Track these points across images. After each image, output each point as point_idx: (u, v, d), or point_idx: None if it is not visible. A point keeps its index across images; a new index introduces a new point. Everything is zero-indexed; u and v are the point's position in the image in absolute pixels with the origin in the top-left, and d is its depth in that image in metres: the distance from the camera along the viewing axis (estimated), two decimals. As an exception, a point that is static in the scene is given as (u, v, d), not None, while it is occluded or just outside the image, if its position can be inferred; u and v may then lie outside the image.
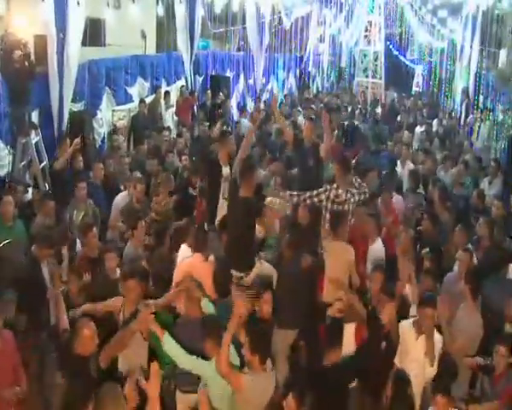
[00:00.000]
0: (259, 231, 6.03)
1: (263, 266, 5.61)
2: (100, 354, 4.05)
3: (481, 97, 15.49)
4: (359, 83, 22.40)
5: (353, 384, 4.64)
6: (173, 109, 12.47)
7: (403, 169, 9.73)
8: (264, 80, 17.27)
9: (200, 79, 14.45)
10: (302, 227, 6.24)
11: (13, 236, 6.04)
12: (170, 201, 7.39)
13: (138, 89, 11.74)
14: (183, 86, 13.12)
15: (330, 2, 21.87)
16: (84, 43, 9.04)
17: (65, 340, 4.33)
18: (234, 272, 5.33)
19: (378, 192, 7.86)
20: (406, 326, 4.90)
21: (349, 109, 17.05)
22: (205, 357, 4.23)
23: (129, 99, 11.37)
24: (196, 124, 12.24)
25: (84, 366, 3.91)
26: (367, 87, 21.85)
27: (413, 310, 5.16)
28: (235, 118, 14.39)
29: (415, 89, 24.85)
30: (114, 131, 10.47)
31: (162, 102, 12.16)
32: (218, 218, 6.30)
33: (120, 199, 7.29)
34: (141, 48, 12.87)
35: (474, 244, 6.68)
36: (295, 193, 6.45)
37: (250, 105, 16.08)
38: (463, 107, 16.78)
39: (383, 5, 22.16)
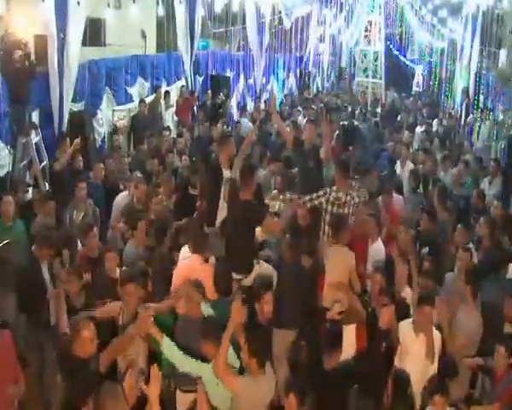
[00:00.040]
0: (259, 235, 6.03)
1: (262, 268, 5.61)
2: (99, 357, 4.05)
3: (481, 97, 15.49)
4: (359, 83, 22.42)
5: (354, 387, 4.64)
6: (173, 109, 12.47)
7: (402, 169, 9.73)
8: (264, 80, 17.26)
9: (200, 79, 14.45)
10: (302, 228, 6.23)
11: (13, 236, 6.04)
12: (170, 201, 7.40)
13: (138, 89, 11.74)
14: (183, 86, 13.12)
15: (330, 2, 21.88)
16: (84, 43, 9.04)
17: (64, 342, 4.32)
18: (233, 275, 5.32)
19: (378, 192, 7.87)
20: (406, 326, 4.91)
21: (349, 109, 17.07)
22: (205, 358, 4.23)
23: (129, 99, 11.37)
24: (196, 124, 12.25)
25: (83, 368, 3.90)
26: (367, 87, 21.86)
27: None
28: (236, 118, 14.39)
29: (415, 89, 24.90)
30: (115, 131, 10.48)
31: (162, 102, 12.15)
32: (219, 220, 6.28)
33: (121, 199, 7.29)
34: (141, 48, 12.87)
35: (474, 244, 6.69)
36: (295, 196, 6.45)
37: (250, 105, 16.08)
38: (463, 107, 16.77)
39: (383, 5, 22.20)
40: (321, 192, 6.37)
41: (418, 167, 9.79)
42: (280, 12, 17.64)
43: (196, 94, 13.58)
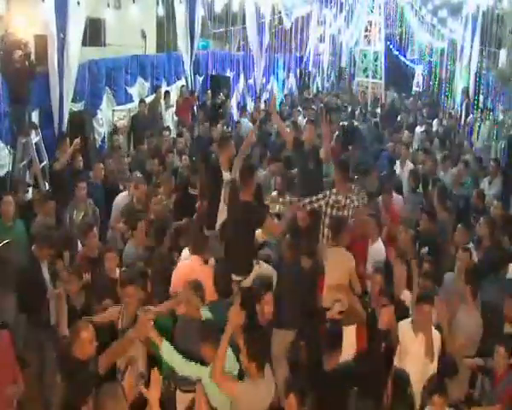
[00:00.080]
0: (260, 236, 6.02)
1: (262, 268, 5.61)
2: (98, 359, 4.05)
3: (481, 97, 15.48)
4: (359, 83, 22.41)
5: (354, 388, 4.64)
6: (173, 109, 12.48)
7: (402, 169, 9.73)
8: (264, 80, 17.26)
9: (200, 79, 14.45)
10: (301, 230, 6.24)
11: (13, 236, 6.04)
12: (169, 201, 7.41)
13: (138, 89, 11.74)
14: (183, 86, 13.12)
15: (330, 2, 21.87)
16: (84, 43, 9.05)
17: (64, 343, 4.32)
18: (233, 276, 5.32)
19: (378, 192, 7.88)
20: (405, 326, 4.91)
21: (349, 109, 17.08)
22: (204, 360, 4.22)
23: (129, 99, 11.37)
24: (196, 124, 12.25)
25: (82, 370, 3.90)
26: (367, 87, 21.86)
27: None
28: (236, 118, 14.40)
29: (415, 89, 24.89)
30: (115, 131, 10.48)
31: (162, 101, 12.16)
32: (219, 222, 6.28)
33: (120, 199, 7.29)
34: (141, 48, 12.87)
35: (474, 244, 6.69)
36: (295, 199, 6.46)
37: (250, 105, 16.08)
38: (463, 107, 16.77)
39: (383, 5, 22.18)
40: (320, 195, 6.38)
41: (418, 167, 9.80)
42: (280, 12, 17.63)
43: (196, 94, 13.58)
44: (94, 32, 11.06)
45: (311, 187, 6.71)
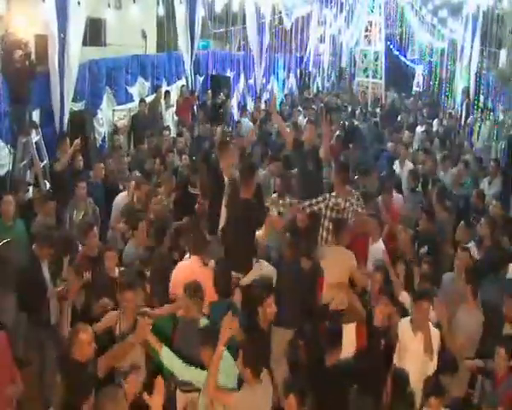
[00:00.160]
0: (260, 237, 6.03)
1: (262, 266, 5.62)
2: (97, 362, 4.06)
3: (482, 97, 15.48)
4: (360, 83, 22.41)
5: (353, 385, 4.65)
6: (173, 109, 12.49)
7: (401, 169, 9.73)
8: (264, 80, 17.27)
9: (200, 79, 14.46)
10: (301, 231, 6.24)
11: (13, 235, 6.05)
12: (169, 200, 7.41)
13: (139, 88, 11.75)
14: (183, 86, 13.13)
15: (331, 3, 21.88)
16: (84, 43, 9.06)
17: (63, 346, 4.33)
18: (232, 273, 5.33)
19: (378, 192, 7.88)
20: (404, 324, 4.93)
21: (349, 109, 17.09)
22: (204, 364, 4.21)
23: (129, 99, 11.38)
24: (196, 123, 12.26)
25: (80, 371, 3.91)
26: (367, 87, 21.86)
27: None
28: (236, 118, 14.40)
29: (415, 89, 24.92)
30: (115, 130, 10.49)
31: (162, 101, 12.17)
32: (221, 226, 6.27)
33: (120, 199, 7.28)
34: (141, 48, 12.89)
35: (476, 243, 6.70)
36: (295, 201, 6.47)
37: (250, 105, 16.10)
38: (464, 107, 16.78)
39: (383, 5, 22.18)
40: (320, 198, 6.39)
41: (418, 167, 9.80)
42: (280, 12, 17.65)
43: (196, 94, 13.59)
44: (94, 32, 11.09)
45: (310, 188, 6.72)
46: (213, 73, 14.93)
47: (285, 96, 18.97)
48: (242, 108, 14.65)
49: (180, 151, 9.58)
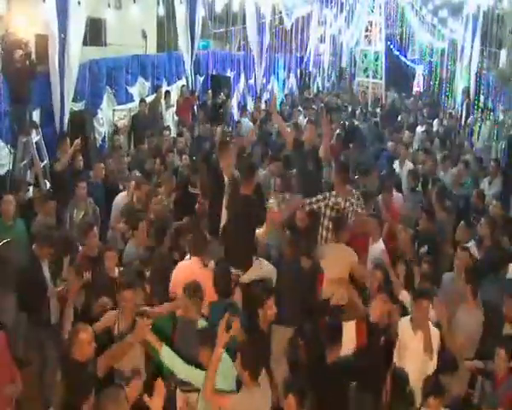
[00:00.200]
0: (260, 236, 6.03)
1: (262, 265, 5.63)
2: (97, 361, 4.06)
3: (482, 97, 15.48)
4: (360, 83, 22.41)
5: (353, 383, 4.65)
6: (174, 109, 12.49)
7: (401, 169, 9.74)
8: (264, 80, 17.28)
9: (200, 79, 14.47)
10: (300, 230, 6.25)
11: (13, 235, 6.06)
12: (169, 200, 7.41)
13: (139, 88, 11.76)
14: (183, 86, 13.14)
15: (331, 3, 21.88)
16: (84, 43, 9.07)
17: (64, 346, 4.33)
18: (232, 269, 5.34)
19: (378, 192, 7.89)
20: (404, 323, 4.93)
21: (349, 109, 17.09)
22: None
23: (129, 99, 11.39)
24: (196, 123, 12.27)
25: (80, 371, 3.91)
26: (367, 87, 21.86)
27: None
28: (236, 117, 14.40)
29: (415, 89, 24.91)
30: (116, 131, 10.49)
31: (163, 101, 12.17)
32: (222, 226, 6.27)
33: (120, 200, 7.28)
34: (141, 47, 12.90)
35: (476, 243, 6.70)
36: (296, 197, 6.47)
37: (250, 105, 16.10)
38: (464, 107, 16.78)
39: (384, 5, 22.18)
40: (320, 196, 6.39)
41: (418, 167, 9.80)
42: (280, 12, 17.65)
43: (197, 94, 13.59)
44: (94, 32, 11.09)
45: (309, 188, 6.72)
46: (213, 73, 14.94)
47: (285, 96, 18.97)
48: (242, 108, 14.65)
49: (180, 151, 9.58)
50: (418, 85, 25.25)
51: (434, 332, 4.80)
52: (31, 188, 7.45)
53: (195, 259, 5.35)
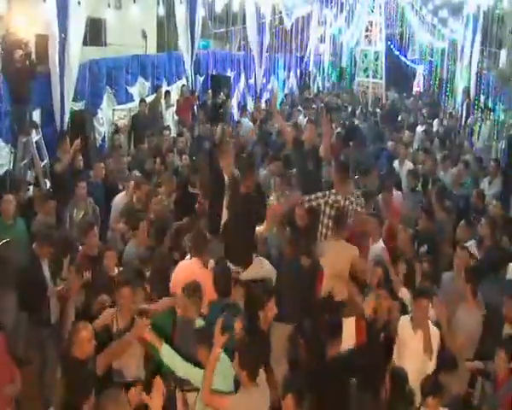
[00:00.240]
0: (261, 232, 6.04)
1: (262, 263, 5.62)
2: (97, 360, 4.06)
3: (482, 97, 15.48)
4: (360, 83, 22.42)
5: (352, 380, 4.66)
6: (174, 109, 12.50)
7: (401, 168, 9.74)
8: (264, 80, 17.28)
9: (200, 79, 14.47)
10: (300, 228, 6.25)
11: (13, 234, 6.06)
12: (170, 200, 7.42)
13: (139, 88, 11.76)
14: (183, 86, 13.14)
15: (331, 2, 21.89)
16: (85, 43, 9.09)
17: (64, 344, 4.34)
18: (232, 267, 5.35)
19: (378, 191, 7.89)
20: (404, 322, 4.93)
21: (349, 109, 17.09)
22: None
23: (129, 98, 11.39)
24: (197, 123, 12.27)
25: (80, 369, 3.92)
26: (368, 87, 21.87)
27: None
28: (236, 117, 14.41)
29: (415, 89, 24.91)
30: (116, 130, 10.50)
31: (163, 101, 12.18)
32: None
33: (119, 200, 7.27)
34: (142, 47, 12.90)
35: (476, 243, 6.71)
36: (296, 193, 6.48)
37: (251, 105, 16.10)
38: (464, 107, 16.78)
39: (384, 5, 22.18)
40: (320, 194, 6.39)
41: (418, 167, 9.81)
42: (280, 12, 17.66)
43: (197, 93, 13.60)
44: (95, 32, 11.10)
45: (309, 187, 6.72)
46: (214, 73, 14.95)
47: (285, 95, 18.98)
48: (242, 107, 14.66)
49: (180, 151, 9.59)
50: (418, 85, 25.25)
51: (434, 332, 4.80)
52: (31, 187, 7.46)
53: (195, 259, 5.36)
